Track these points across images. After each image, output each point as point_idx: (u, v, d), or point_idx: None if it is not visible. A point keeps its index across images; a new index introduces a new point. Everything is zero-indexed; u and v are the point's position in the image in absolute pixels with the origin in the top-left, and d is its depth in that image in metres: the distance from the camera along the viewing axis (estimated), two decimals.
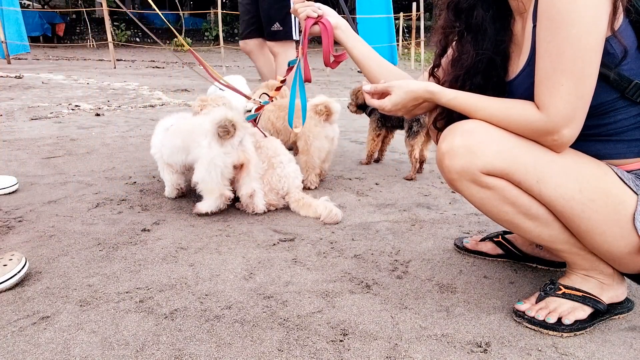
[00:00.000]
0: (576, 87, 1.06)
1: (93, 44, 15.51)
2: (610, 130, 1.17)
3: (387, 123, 2.83)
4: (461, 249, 1.72)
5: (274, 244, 1.76)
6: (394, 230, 1.92)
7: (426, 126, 2.63)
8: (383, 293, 1.42)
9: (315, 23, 1.55)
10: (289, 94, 2.30)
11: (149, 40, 17.75)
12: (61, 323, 1.23)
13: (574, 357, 1.15)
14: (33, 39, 13.89)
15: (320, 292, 1.42)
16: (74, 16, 18.62)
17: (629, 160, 1.18)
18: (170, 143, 2.12)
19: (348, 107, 2.96)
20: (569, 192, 1.13)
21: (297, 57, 1.65)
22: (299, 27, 2.87)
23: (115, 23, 16.64)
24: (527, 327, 1.25)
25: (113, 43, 10.17)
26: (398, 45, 10.87)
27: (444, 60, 1.40)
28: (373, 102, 1.37)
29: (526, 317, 1.26)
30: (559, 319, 1.23)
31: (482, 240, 1.69)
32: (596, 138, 1.19)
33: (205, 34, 18.76)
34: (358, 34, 1.58)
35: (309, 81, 1.66)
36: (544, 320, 1.24)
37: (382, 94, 1.36)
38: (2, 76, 7.16)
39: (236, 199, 2.12)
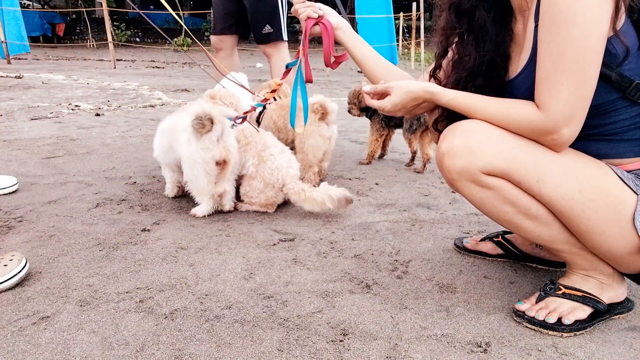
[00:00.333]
0: (577, 87, 1.06)
1: (93, 44, 15.52)
2: (611, 130, 1.17)
3: (390, 123, 2.88)
4: (461, 249, 1.72)
5: (274, 244, 1.76)
6: (394, 230, 1.92)
7: (426, 124, 2.69)
8: (383, 293, 1.42)
9: (316, 23, 1.55)
10: (289, 93, 2.30)
11: (149, 40, 17.75)
12: (61, 323, 1.23)
13: (574, 357, 1.15)
14: (33, 39, 13.89)
15: (320, 292, 1.42)
16: (74, 16, 18.62)
17: (629, 159, 1.18)
18: (160, 143, 2.14)
19: (350, 112, 2.95)
20: (569, 192, 1.13)
21: (298, 57, 1.65)
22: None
23: (115, 23, 16.63)
24: (527, 327, 1.25)
25: (113, 43, 10.17)
26: (398, 45, 10.87)
27: (445, 62, 1.40)
28: (373, 103, 1.37)
29: (526, 317, 1.26)
30: (559, 319, 1.23)
31: (482, 240, 1.69)
32: (596, 138, 1.19)
33: (205, 34, 18.76)
34: (358, 33, 1.58)
35: (310, 81, 1.66)
36: (544, 320, 1.24)
37: (382, 95, 1.36)
38: (2, 76, 7.16)
39: (237, 199, 2.12)
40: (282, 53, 3.20)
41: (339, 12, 1.56)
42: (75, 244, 1.71)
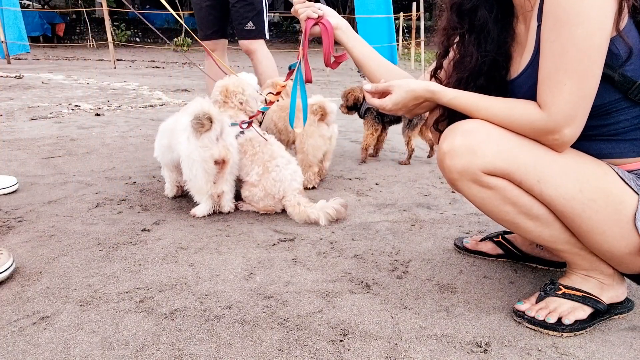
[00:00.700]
0: (579, 87, 1.06)
1: (93, 44, 15.51)
2: (612, 131, 1.17)
3: (384, 119, 2.93)
4: (461, 249, 1.72)
5: (274, 244, 1.76)
6: (394, 230, 1.92)
7: (424, 120, 2.76)
8: (383, 293, 1.42)
9: (316, 24, 1.55)
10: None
11: (148, 40, 17.75)
12: (61, 323, 1.23)
13: (574, 357, 1.15)
14: (33, 39, 13.88)
15: (320, 292, 1.42)
16: (74, 16, 18.62)
17: (630, 159, 1.18)
18: (159, 143, 2.14)
19: (340, 109, 2.99)
20: (570, 192, 1.13)
21: (298, 58, 1.65)
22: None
23: (115, 23, 16.63)
24: (527, 327, 1.25)
25: (113, 43, 10.17)
26: (398, 45, 10.87)
27: (446, 62, 1.40)
28: (374, 102, 1.36)
29: (526, 317, 1.26)
30: (559, 319, 1.23)
31: (482, 240, 1.69)
32: (598, 138, 1.19)
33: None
34: (358, 33, 1.58)
35: (310, 82, 1.66)
36: (544, 320, 1.24)
37: (383, 94, 1.36)
38: (2, 76, 7.16)
39: (238, 198, 2.12)
40: (263, 50, 3.29)
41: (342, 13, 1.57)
42: (75, 244, 1.71)
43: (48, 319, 1.25)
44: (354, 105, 2.97)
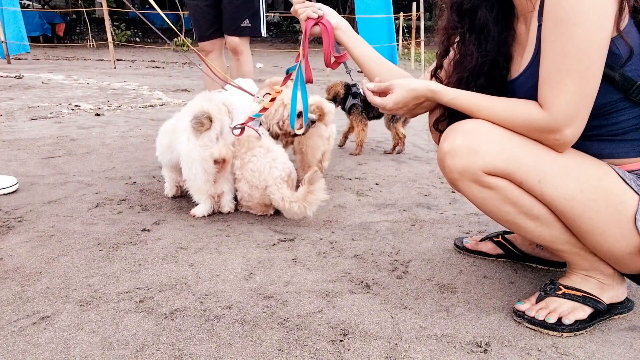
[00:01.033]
0: (580, 87, 1.06)
1: (93, 44, 15.51)
2: (613, 131, 1.17)
3: (369, 114, 3.10)
4: (461, 249, 1.72)
5: (274, 244, 1.76)
6: (394, 230, 1.92)
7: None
8: (383, 293, 1.42)
9: (316, 24, 1.55)
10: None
11: (149, 40, 17.75)
12: (61, 323, 1.23)
13: (574, 357, 1.15)
14: (33, 39, 13.87)
15: (320, 292, 1.42)
16: (74, 16, 18.62)
17: (630, 160, 1.18)
18: (159, 143, 2.14)
19: None
20: (570, 192, 1.13)
21: (298, 61, 1.64)
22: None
23: (115, 23, 16.63)
24: (527, 327, 1.25)
25: (113, 43, 10.17)
26: (398, 45, 10.87)
27: (446, 62, 1.40)
28: (375, 100, 1.36)
29: (526, 317, 1.26)
30: (559, 319, 1.23)
31: (482, 240, 1.69)
32: (598, 138, 1.19)
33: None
34: (358, 33, 1.58)
35: (310, 82, 1.66)
36: (544, 320, 1.24)
37: (384, 93, 1.36)
38: (2, 76, 7.16)
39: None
40: (249, 52, 3.34)
41: (343, 13, 1.57)
42: (75, 244, 1.71)
43: (48, 319, 1.25)
44: (333, 99, 3.16)
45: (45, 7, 18.95)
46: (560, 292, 1.29)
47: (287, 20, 22.15)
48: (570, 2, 1.02)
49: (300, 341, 1.18)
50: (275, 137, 2.27)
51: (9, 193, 2.22)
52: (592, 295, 1.26)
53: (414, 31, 10.79)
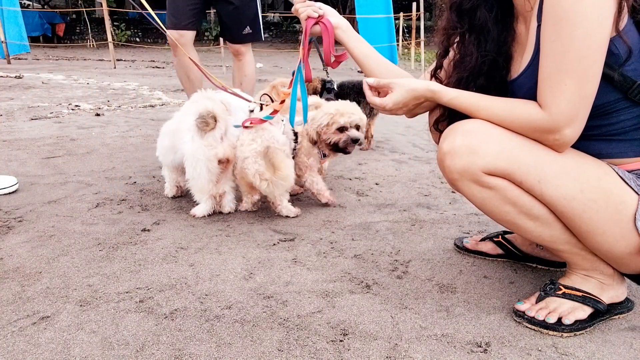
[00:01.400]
0: (579, 87, 1.06)
1: (93, 44, 15.51)
2: (612, 131, 1.17)
3: None
4: (461, 249, 1.72)
5: (274, 244, 1.76)
6: (394, 230, 1.92)
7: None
8: (383, 293, 1.42)
9: (316, 23, 1.55)
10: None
11: (148, 40, 17.75)
12: (61, 323, 1.23)
13: (574, 357, 1.15)
14: (33, 39, 13.87)
15: (320, 292, 1.42)
16: (74, 16, 18.62)
17: (630, 159, 1.18)
18: (161, 144, 2.14)
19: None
20: (570, 192, 1.13)
21: (299, 58, 1.65)
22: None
23: (115, 23, 16.63)
24: (527, 327, 1.25)
25: (113, 43, 10.17)
26: (398, 45, 10.87)
27: (446, 62, 1.40)
28: (374, 100, 1.36)
29: (526, 317, 1.26)
30: (559, 319, 1.23)
31: (482, 240, 1.69)
32: (598, 138, 1.19)
33: (205, 34, 18.74)
34: (358, 33, 1.58)
35: (310, 81, 1.66)
36: (544, 320, 1.24)
37: (383, 93, 1.36)
38: (2, 76, 7.16)
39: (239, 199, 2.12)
40: (251, 53, 3.37)
41: (343, 12, 1.57)
42: (75, 244, 1.71)
43: (48, 319, 1.25)
44: (312, 94, 3.21)
45: (45, 7, 18.95)
46: (560, 292, 1.29)
47: (287, 20, 22.16)
48: (570, 2, 1.02)
49: (300, 341, 1.18)
50: (313, 142, 2.13)
51: (9, 193, 2.22)
52: (592, 295, 1.26)
53: (414, 31, 10.79)
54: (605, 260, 1.24)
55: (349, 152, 2.09)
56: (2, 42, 9.42)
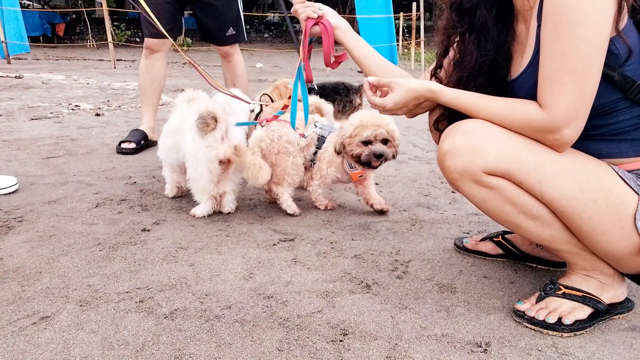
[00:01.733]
0: (579, 87, 1.06)
1: (93, 44, 15.50)
2: (612, 131, 1.17)
3: None
4: (461, 249, 1.72)
5: (274, 244, 1.76)
6: (394, 230, 1.92)
7: (357, 107, 3.13)
8: (383, 293, 1.42)
9: (316, 23, 1.55)
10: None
11: None
12: (61, 323, 1.23)
13: (574, 357, 1.15)
14: (33, 39, 13.87)
15: (320, 292, 1.42)
16: (74, 16, 18.61)
17: (630, 159, 1.18)
18: (163, 142, 2.14)
19: None
20: (570, 192, 1.13)
21: (299, 59, 1.64)
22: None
23: (115, 23, 16.63)
24: (527, 327, 1.25)
25: (113, 43, 10.17)
26: (398, 45, 10.87)
27: (446, 61, 1.40)
28: (375, 100, 1.37)
29: (526, 317, 1.26)
30: (559, 319, 1.23)
31: (482, 240, 1.69)
32: (598, 138, 1.19)
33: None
34: (359, 33, 1.58)
35: (311, 81, 1.66)
36: (544, 320, 1.23)
37: (384, 92, 1.36)
38: (2, 76, 7.16)
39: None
40: (239, 53, 3.36)
41: (343, 13, 1.57)
42: (75, 244, 1.71)
43: (48, 319, 1.25)
44: None
45: (45, 7, 18.94)
46: (560, 292, 1.29)
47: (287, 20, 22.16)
48: (570, 2, 1.02)
49: (300, 341, 1.18)
50: (337, 153, 2.00)
51: (9, 193, 2.22)
52: (592, 295, 1.26)
53: (414, 31, 10.79)
54: (605, 260, 1.24)
55: (374, 167, 1.94)
56: (2, 42, 9.42)
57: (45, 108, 4.64)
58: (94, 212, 2.03)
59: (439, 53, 1.40)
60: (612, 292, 1.28)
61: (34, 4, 18.42)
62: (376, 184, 2.55)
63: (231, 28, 3.19)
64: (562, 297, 1.27)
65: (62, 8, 19.51)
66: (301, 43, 1.62)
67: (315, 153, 2.08)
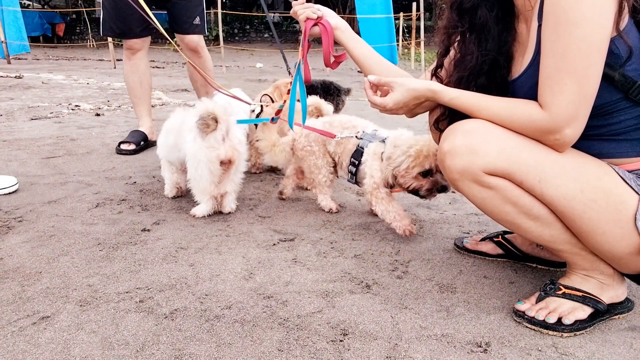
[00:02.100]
0: (580, 87, 1.06)
1: (93, 44, 15.51)
2: (613, 131, 1.17)
3: None
4: (461, 249, 1.72)
5: (274, 244, 1.76)
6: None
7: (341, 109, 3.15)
8: (383, 293, 1.42)
9: (315, 24, 1.55)
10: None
11: None
12: (61, 323, 1.23)
13: (574, 357, 1.15)
14: (33, 39, 13.88)
15: (320, 292, 1.42)
16: (74, 16, 18.62)
17: (630, 159, 1.18)
18: (164, 142, 2.14)
19: None
20: (571, 192, 1.13)
21: (301, 58, 1.64)
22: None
23: None
24: (527, 327, 1.25)
25: (113, 43, 10.16)
26: (398, 45, 10.87)
27: (447, 61, 1.40)
28: (375, 100, 1.37)
29: (526, 317, 1.26)
30: (559, 319, 1.23)
31: (482, 240, 1.69)
32: (598, 138, 1.19)
33: (205, 33, 18.75)
34: (359, 33, 1.58)
35: (309, 82, 1.66)
36: (544, 320, 1.23)
37: (384, 91, 1.36)
38: (2, 76, 7.16)
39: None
40: (205, 47, 3.33)
41: (342, 13, 1.57)
42: (75, 244, 1.71)
43: (48, 319, 1.25)
44: None
45: (45, 7, 18.94)
46: (560, 292, 1.29)
47: (287, 20, 22.16)
48: (570, 2, 1.02)
49: (300, 341, 1.18)
50: (389, 186, 1.82)
51: (9, 193, 2.22)
52: (592, 295, 1.26)
53: (414, 31, 10.79)
54: (606, 260, 1.24)
55: (427, 199, 1.74)
56: (2, 42, 9.43)
57: (45, 108, 4.64)
58: (94, 212, 2.03)
59: (439, 52, 1.40)
60: (612, 292, 1.28)
61: (34, 4, 18.42)
62: None
63: (198, 17, 3.20)
64: (562, 297, 1.27)
65: (62, 8, 19.51)
66: (301, 44, 1.62)
67: (353, 164, 1.91)
